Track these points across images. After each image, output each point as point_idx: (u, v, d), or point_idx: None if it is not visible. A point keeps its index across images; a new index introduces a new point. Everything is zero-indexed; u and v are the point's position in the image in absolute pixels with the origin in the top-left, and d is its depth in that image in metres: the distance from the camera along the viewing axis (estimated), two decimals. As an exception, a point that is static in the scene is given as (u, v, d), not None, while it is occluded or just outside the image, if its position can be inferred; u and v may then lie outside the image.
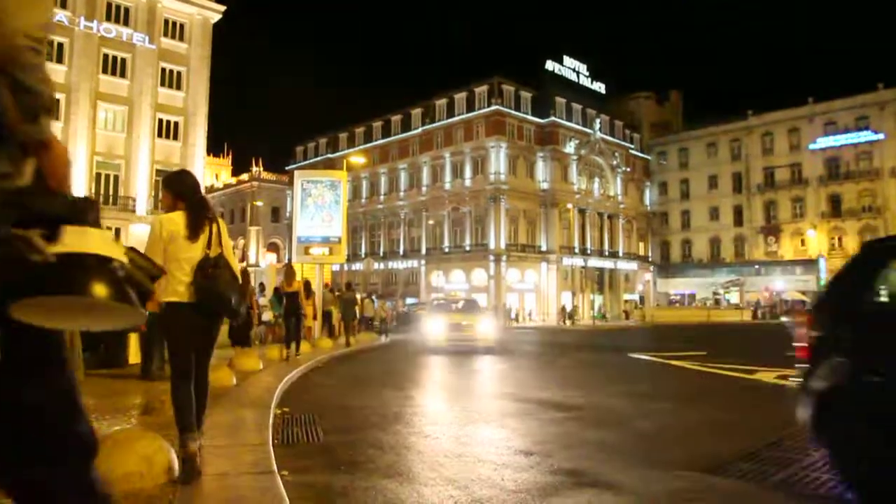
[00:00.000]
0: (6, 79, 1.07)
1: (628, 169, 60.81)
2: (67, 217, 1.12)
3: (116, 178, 33.57)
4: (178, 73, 36.09)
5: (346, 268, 50.85)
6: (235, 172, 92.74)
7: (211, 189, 74.54)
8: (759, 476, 4.01)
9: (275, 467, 3.82)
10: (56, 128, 30.94)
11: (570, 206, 51.96)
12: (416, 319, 22.83)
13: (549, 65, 54.64)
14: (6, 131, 1.07)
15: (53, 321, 1.15)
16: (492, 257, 49.09)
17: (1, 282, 1.05)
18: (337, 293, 19.78)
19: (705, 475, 4.07)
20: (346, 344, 16.79)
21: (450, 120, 53.70)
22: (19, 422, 1.19)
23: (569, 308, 49.05)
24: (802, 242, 55.78)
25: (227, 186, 76.75)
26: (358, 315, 20.03)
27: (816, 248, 53.65)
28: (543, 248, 52.35)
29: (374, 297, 26.29)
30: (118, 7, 34.06)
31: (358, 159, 47.15)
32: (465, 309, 18.44)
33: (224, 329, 13.55)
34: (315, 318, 16.17)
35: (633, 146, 63.11)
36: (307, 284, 14.53)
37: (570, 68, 56.53)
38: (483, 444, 5.23)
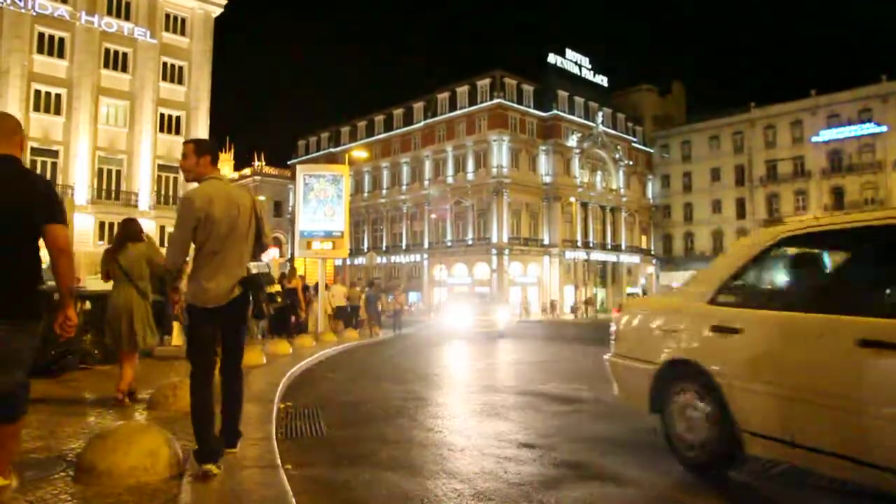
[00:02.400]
0: (264, 248, 3.97)
1: (631, 162, 60.71)
2: (269, 281, 4.77)
3: (119, 172, 33.58)
4: (180, 68, 36.04)
5: (348, 262, 50.92)
6: (238, 167, 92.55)
7: (213, 184, 74.44)
8: (762, 468, 4.02)
9: (278, 461, 3.84)
10: (57, 123, 31.32)
11: (572, 199, 51.90)
12: None
13: (552, 58, 54.48)
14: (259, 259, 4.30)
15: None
16: (494, 251, 49.09)
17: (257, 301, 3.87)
18: (359, 289, 21.54)
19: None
20: (370, 335, 18.74)
21: (452, 113, 53.60)
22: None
23: (572, 302, 49.13)
24: (805, 235, 55.60)
25: (229, 181, 76.69)
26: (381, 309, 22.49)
27: (819, 241, 53.48)
28: (546, 242, 52.32)
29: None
30: (119, 1, 33.99)
31: (360, 153, 47.05)
32: None
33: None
34: (307, 312, 16.86)
35: (635, 139, 62.97)
36: (304, 285, 16.19)
37: (573, 61, 56.36)
38: (486, 438, 5.24)
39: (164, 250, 4.56)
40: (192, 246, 3.72)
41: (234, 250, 3.70)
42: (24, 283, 2.93)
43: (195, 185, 3.80)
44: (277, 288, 12.37)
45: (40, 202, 2.94)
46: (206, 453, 3.45)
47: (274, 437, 4.60)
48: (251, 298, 3.76)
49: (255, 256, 3.90)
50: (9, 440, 3.00)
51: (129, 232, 6.06)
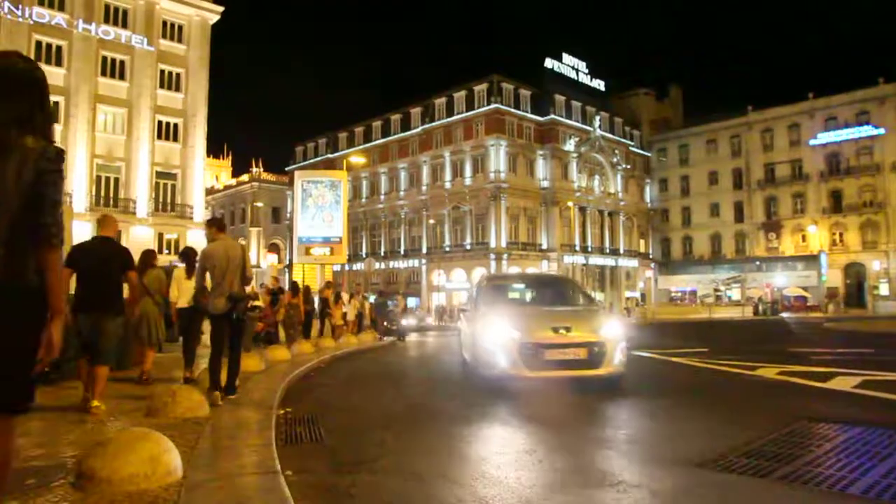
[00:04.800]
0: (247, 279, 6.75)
1: (628, 166, 60.83)
2: (249, 296, 9.06)
3: (117, 180, 33.61)
4: (177, 75, 36.10)
5: (347, 268, 50.88)
6: (235, 173, 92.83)
7: (211, 191, 74.55)
8: (762, 471, 4.01)
9: (278, 467, 3.83)
10: (55, 131, 31.31)
11: (570, 203, 51.97)
12: None
13: (549, 62, 54.65)
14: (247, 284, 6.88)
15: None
16: (493, 256, 49.10)
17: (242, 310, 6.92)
18: (363, 296, 23.26)
19: (707, 471, 4.07)
20: (379, 339, 19.71)
21: (449, 119, 53.71)
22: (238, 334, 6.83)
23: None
24: (803, 238, 55.77)
25: (227, 188, 76.81)
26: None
27: (817, 244, 53.63)
28: (544, 246, 52.36)
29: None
30: (116, 9, 34.08)
31: (358, 159, 47.16)
32: None
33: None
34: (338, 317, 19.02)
35: (633, 143, 63.12)
36: (338, 294, 18.76)
37: (570, 66, 56.52)
38: (486, 443, 5.24)
39: (167, 258, 6.07)
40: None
41: (227, 281, 6.47)
42: (120, 297, 6.00)
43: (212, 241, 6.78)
44: (258, 303, 15.68)
45: (127, 260, 6.06)
46: (213, 386, 6.31)
47: (274, 443, 4.59)
48: (236, 308, 6.51)
49: (244, 283, 6.64)
50: (101, 375, 5.56)
51: (148, 259, 8.49)
